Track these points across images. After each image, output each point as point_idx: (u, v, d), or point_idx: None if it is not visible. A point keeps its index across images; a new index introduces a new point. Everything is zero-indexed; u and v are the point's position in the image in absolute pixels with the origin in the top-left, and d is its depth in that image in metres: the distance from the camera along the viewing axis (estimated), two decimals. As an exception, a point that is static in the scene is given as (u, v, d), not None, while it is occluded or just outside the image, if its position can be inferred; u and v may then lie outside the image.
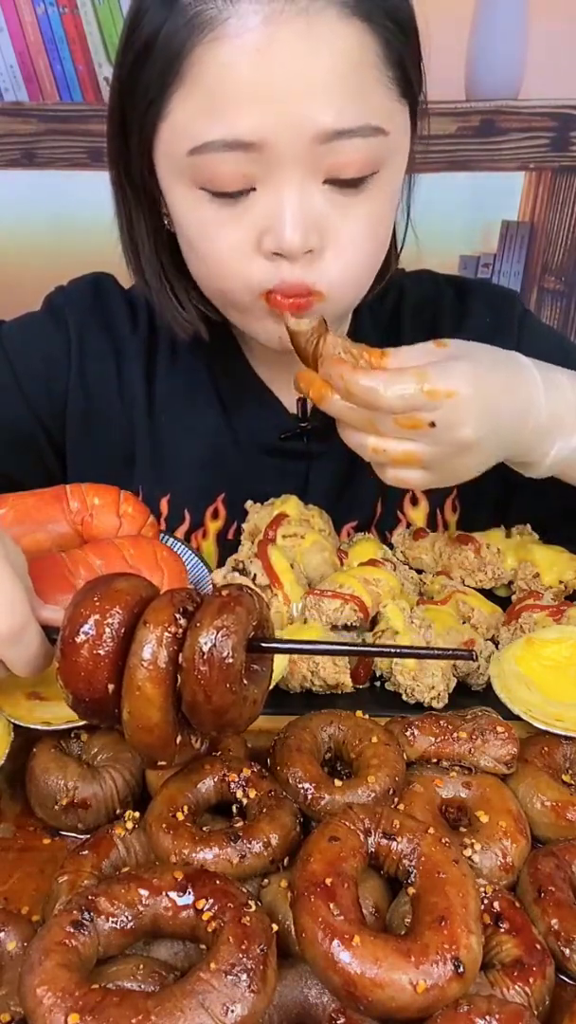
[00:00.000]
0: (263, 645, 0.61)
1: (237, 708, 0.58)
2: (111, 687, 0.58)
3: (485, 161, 1.96)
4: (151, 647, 0.56)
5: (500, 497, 1.08)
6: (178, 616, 0.57)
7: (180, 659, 0.57)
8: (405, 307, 1.08)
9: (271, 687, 0.75)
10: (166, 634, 0.56)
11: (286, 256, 0.80)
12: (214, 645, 0.55)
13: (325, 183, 0.79)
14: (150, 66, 0.78)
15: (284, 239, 0.78)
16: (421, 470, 0.77)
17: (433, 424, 0.72)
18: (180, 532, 1.06)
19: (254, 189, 0.79)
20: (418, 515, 1.09)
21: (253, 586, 0.72)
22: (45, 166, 1.99)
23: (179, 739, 0.59)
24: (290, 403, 1.05)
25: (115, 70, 0.84)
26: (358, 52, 0.75)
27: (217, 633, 0.56)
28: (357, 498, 1.08)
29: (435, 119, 1.89)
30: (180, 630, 0.57)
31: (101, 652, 0.57)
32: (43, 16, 1.86)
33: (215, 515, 1.07)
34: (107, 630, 0.58)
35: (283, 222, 0.78)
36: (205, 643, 0.56)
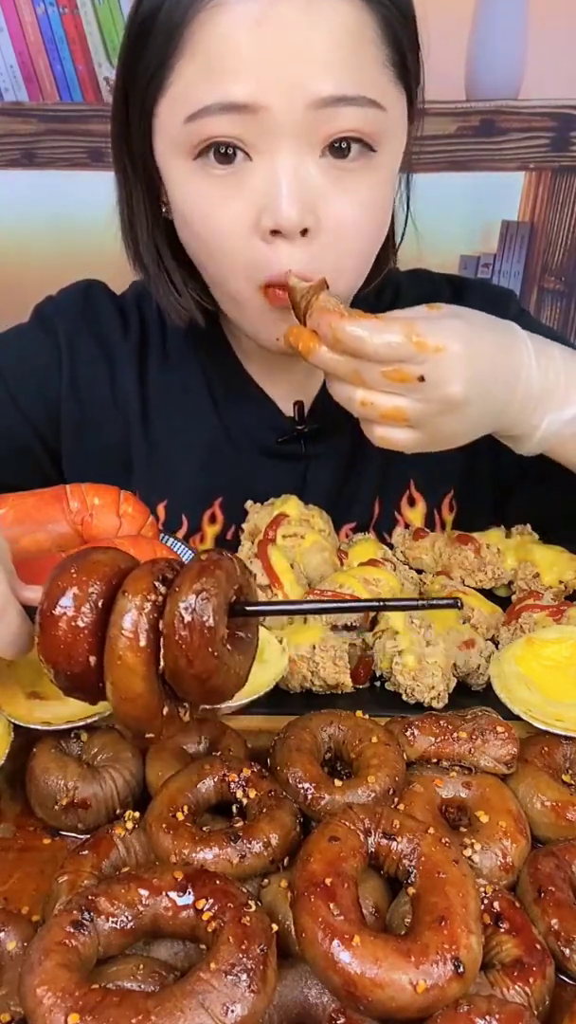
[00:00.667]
0: (246, 609, 0.59)
1: (221, 674, 0.57)
2: (92, 659, 0.57)
3: (485, 161, 1.96)
4: (131, 616, 0.55)
5: (497, 497, 1.08)
6: (157, 584, 0.56)
7: (160, 626, 0.56)
8: (402, 305, 1.08)
9: (271, 687, 0.75)
10: (146, 602, 0.55)
11: (284, 233, 0.79)
12: (194, 609, 0.54)
13: (322, 156, 0.79)
14: (152, 41, 0.79)
15: (280, 213, 0.77)
16: (408, 429, 0.76)
17: (422, 378, 0.71)
18: (178, 536, 1.06)
19: (249, 159, 0.78)
20: (416, 515, 1.09)
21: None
22: (45, 166, 1.99)
23: (165, 710, 0.57)
24: (285, 406, 1.05)
25: (119, 52, 0.85)
26: (357, 28, 0.77)
27: (196, 597, 0.54)
28: (355, 499, 1.08)
29: (435, 119, 1.90)
30: (160, 598, 0.56)
31: (80, 624, 0.56)
32: (43, 16, 1.86)
33: (212, 519, 1.07)
34: (86, 602, 0.56)
35: (279, 194, 0.77)
36: (185, 607, 0.54)
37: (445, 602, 0.65)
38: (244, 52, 0.75)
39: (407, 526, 1.07)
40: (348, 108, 0.77)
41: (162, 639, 0.56)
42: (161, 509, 1.06)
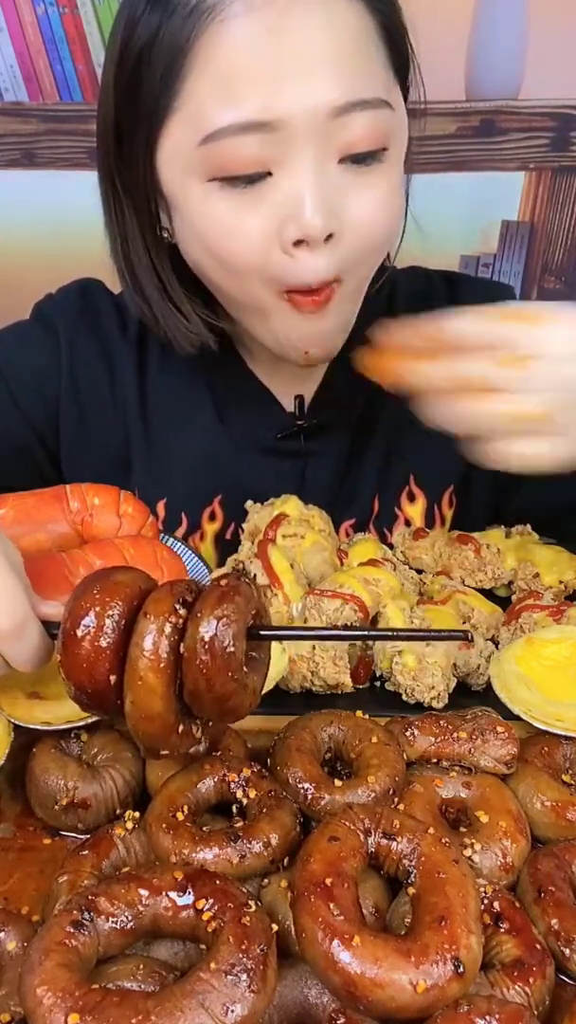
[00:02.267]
0: (262, 633, 0.61)
1: (238, 696, 0.58)
2: (113, 678, 0.58)
3: (485, 161, 1.96)
4: (152, 637, 0.56)
5: (497, 493, 1.08)
6: (178, 606, 0.58)
7: (181, 649, 0.57)
8: (398, 301, 1.08)
9: (271, 687, 0.75)
10: (167, 624, 0.57)
11: (308, 241, 0.78)
12: (215, 634, 0.56)
13: (340, 163, 0.79)
14: (152, 67, 0.77)
15: (305, 222, 0.77)
16: (549, 438, 0.67)
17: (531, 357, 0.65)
18: (177, 535, 1.05)
19: (270, 174, 0.78)
20: (415, 511, 1.09)
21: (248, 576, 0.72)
22: (45, 166, 1.99)
23: (181, 728, 0.59)
24: (286, 401, 1.05)
25: (106, 87, 0.83)
26: (361, 29, 0.77)
27: (218, 623, 0.56)
28: (354, 496, 1.07)
29: (435, 119, 1.90)
30: (180, 620, 0.57)
31: (102, 644, 0.58)
32: (43, 16, 1.86)
33: (212, 517, 1.07)
34: (108, 622, 0.58)
35: (303, 204, 0.77)
36: (206, 632, 0.56)
37: (456, 633, 0.67)
38: (255, 67, 0.74)
39: (407, 522, 1.07)
40: (363, 112, 0.77)
41: (183, 662, 0.57)
42: (161, 507, 1.06)
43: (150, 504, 1.04)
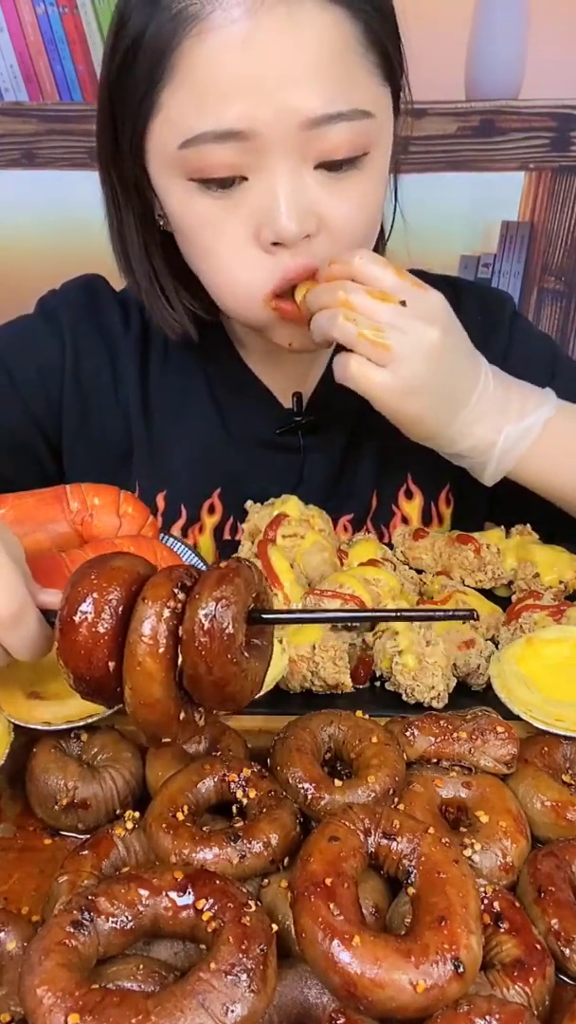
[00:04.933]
0: (263, 617, 0.60)
1: (238, 681, 0.58)
2: (111, 665, 0.57)
3: (485, 161, 1.96)
4: (151, 622, 0.56)
5: (494, 492, 1.09)
6: (177, 591, 0.57)
7: (180, 632, 0.56)
8: None
9: (271, 687, 0.75)
10: (165, 609, 0.56)
11: (284, 244, 0.80)
12: (214, 616, 0.55)
13: (316, 168, 0.80)
14: (138, 65, 0.79)
15: (280, 227, 0.79)
16: (382, 370, 0.80)
17: (403, 304, 0.77)
18: (177, 527, 1.06)
19: (246, 179, 0.79)
20: (413, 508, 1.09)
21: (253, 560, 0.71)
22: (45, 166, 1.99)
23: (182, 715, 0.58)
24: (284, 398, 1.06)
25: (103, 73, 0.85)
26: (340, 39, 0.77)
27: (217, 604, 0.55)
28: (352, 492, 1.08)
29: (435, 119, 1.90)
30: (179, 605, 0.57)
31: (100, 630, 0.57)
32: (43, 16, 1.86)
33: (211, 510, 1.07)
34: (106, 607, 0.57)
35: (278, 210, 0.79)
36: (205, 614, 0.55)
37: (462, 613, 0.65)
38: (232, 77, 0.75)
39: (404, 520, 1.07)
40: (338, 124, 0.78)
41: (181, 645, 0.56)
42: (160, 499, 1.07)
43: (151, 496, 1.05)
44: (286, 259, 0.82)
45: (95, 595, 0.57)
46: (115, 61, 0.82)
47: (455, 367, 0.83)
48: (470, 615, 0.64)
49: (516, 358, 1.03)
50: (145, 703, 0.57)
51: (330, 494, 1.05)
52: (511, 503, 1.03)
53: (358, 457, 1.08)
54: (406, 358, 0.79)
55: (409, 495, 1.09)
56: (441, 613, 0.67)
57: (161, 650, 0.56)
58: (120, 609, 0.58)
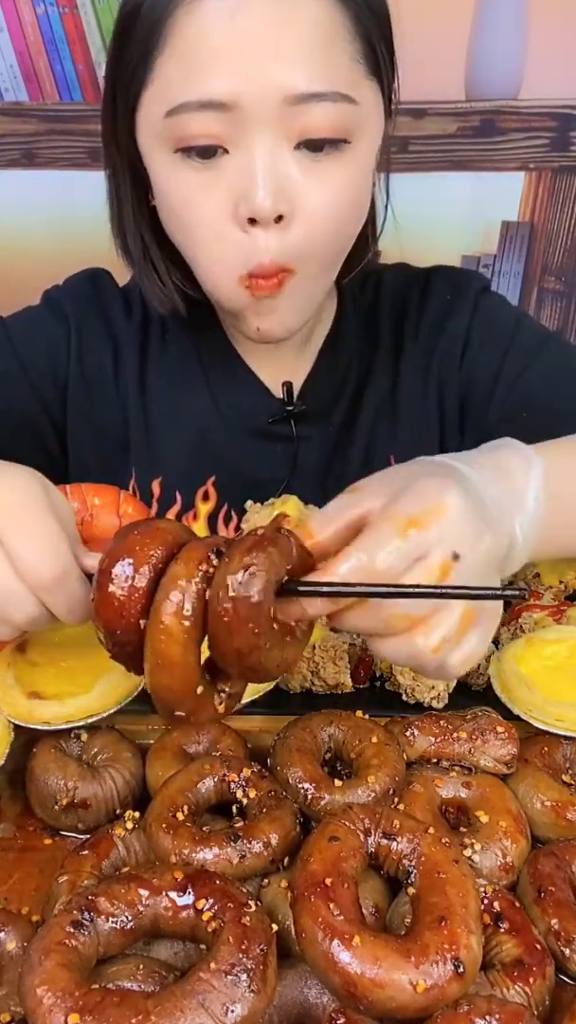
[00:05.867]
0: (296, 588, 0.56)
1: (261, 652, 0.55)
2: (143, 623, 0.56)
3: (485, 161, 1.96)
4: (180, 582, 0.54)
5: None
6: (211, 555, 0.55)
7: (207, 596, 0.54)
8: (383, 297, 1.11)
9: (271, 687, 0.75)
10: (197, 571, 0.54)
11: (259, 221, 0.81)
12: (241, 582, 0.53)
13: (296, 148, 0.80)
14: (134, 36, 0.80)
15: (256, 202, 0.79)
16: (476, 630, 0.60)
17: (456, 556, 0.58)
18: (171, 513, 1.08)
19: (227, 151, 0.80)
20: None
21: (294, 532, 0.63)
22: (45, 166, 1.99)
23: (200, 689, 0.56)
24: (276, 388, 1.07)
25: (108, 46, 0.86)
26: (328, 22, 0.78)
27: (244, 571, 0.53)
28: (342, 478, 1.09)
29: (435, 119, 1.90)
30: (211, 569, 0.55)
31: (136, 584, 0.55)
32: (43, 16, 1.86)
33: (205, 497, 1.09)
34: (144, 564, 0.56)
35: (255, 184, 0.79)
36: (232, 579, 0.53)
37: (511, 592, 0.57)
38: (219, 48, 0.76)
39: None
40: (321, 103, 0.78)
41: (207, 609, 0.54)
42: (156, 486, 1.08)
43: (146, 483, 1.07)
44: (260, 241, 0.82)
45: (136, 549, 0.56)
46: (116, 34, 0.83)
47: (483, 511, 0.64)
48: (521, 594, 0.57)
49: (477, 330, 1.05)
50: (163, 664, 0.54)
51: (322, 483, 1.06)
52: None
53: (346, 447, 1.09)
54: (487, 619, 0.62)
55: None
56: (488, 592, 0.57)
57: (186, 612, 0.54)
58: (159, 567, 0.56)
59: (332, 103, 0.78)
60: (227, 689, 0.59)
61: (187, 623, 0.54)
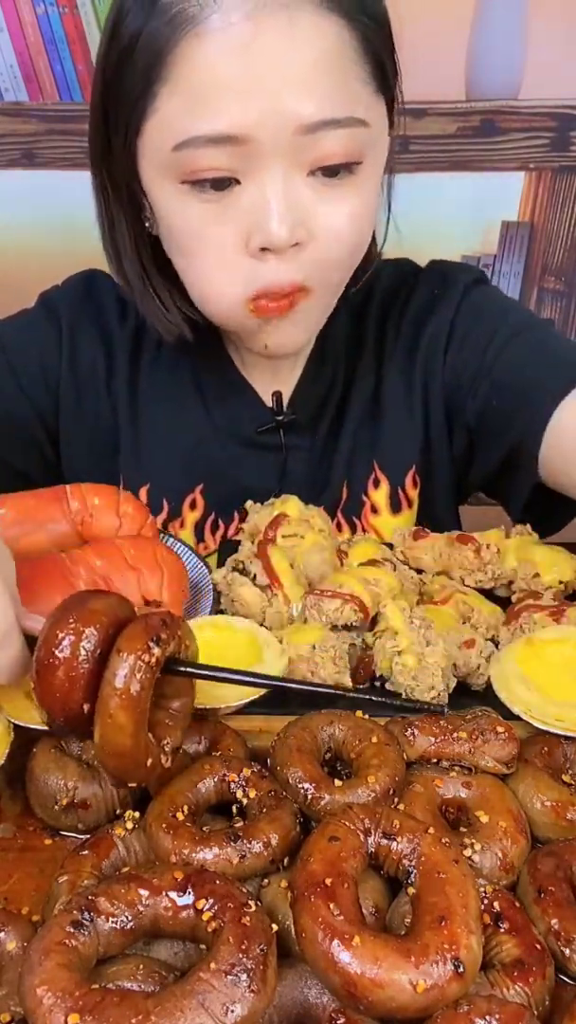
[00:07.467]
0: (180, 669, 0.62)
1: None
2: (87, 707, 0.58)
3: (485, 161, 1.96)
4: (124, 675, 0.56)
5: (456, 466, 1.10)
6: (151, 644, 0.58)
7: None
8: (373, 296, 1.10)
9: (271, 689, 0.75)
10: (139, 662, 0.57)
11: (273, 251, 0.80)
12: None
13: (309, 175, 0.79)
14: (134, 66, 0.78)
15: (271, 233, 0.78)
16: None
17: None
18: (158, 521, 1.07)
19: (238, 183, 0.79)
20: (380, 496, 1.11)
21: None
22: (45, 166, 1.99)
23: (150, 762, 0.60)
24: (267, 397, 1.07)
25: (96, 72, 0.84)
26: (337, 47, 0.76)
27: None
28: (328, 485, 1.10)
29: (435, 119, 1.90)
30: (153, 658, 0.58)
31: (75, 674, 0.58)
32: (43, 16, 1.86)
33: (193, 505, 1.08)
34: (82, 651, 0.58)
35: (269, 215, 0.78)
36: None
37: (430, 706, 0.66)
38: (228, 82, 0.74)
39: (373, 508, 1.10)
40: (335, 131, 0.77)
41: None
42: (143, 493, 1.08)
43: (133, 489, 1.07)
44: (272, 266, 0.81)
45: (72, 638, 0.58)
46: (110, 61, 0.81)
47: None
48: (440, 711, 0.66)
49: (461, 323, 1.04)
50: (114, 753, 0.58)
51: (310, 489, 1.06)
52: (478, 478, 1.04)
53: (332, 454, 1.10)
54: None
55: (376, 484, 1.10)
56: (399, 703, 0.68)
57: (133, 703, 0.56)
58: (96, 653, 0.58)
59: (345, 128, 0.77)
60: (168, 741, 0.62)
61: (133, 714, 0.57)
